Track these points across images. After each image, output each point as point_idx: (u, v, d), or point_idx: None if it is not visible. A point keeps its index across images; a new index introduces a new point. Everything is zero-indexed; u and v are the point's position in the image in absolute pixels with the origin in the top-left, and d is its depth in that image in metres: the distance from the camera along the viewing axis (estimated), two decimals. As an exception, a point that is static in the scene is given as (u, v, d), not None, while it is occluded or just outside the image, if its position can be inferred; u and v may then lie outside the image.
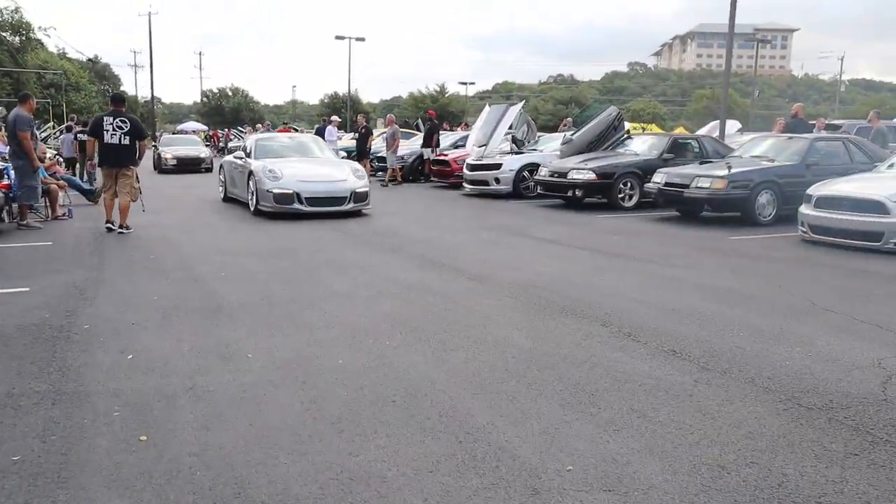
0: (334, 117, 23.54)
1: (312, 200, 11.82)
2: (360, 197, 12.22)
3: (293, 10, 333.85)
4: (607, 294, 6.36)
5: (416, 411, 3.68)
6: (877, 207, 8.59)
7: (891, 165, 10.36)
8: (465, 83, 68.23)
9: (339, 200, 12.01)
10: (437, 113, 24.60)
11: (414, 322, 5.39)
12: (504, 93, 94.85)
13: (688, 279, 7.03)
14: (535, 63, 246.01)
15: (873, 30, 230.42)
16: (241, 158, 13.51)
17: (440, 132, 21.09)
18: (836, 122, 17.72)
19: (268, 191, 11.73)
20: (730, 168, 11.23)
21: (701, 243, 9.51)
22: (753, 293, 6.43)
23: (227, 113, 69.43)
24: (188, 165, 25.94)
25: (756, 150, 12.51)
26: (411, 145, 22.16)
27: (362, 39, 46.84)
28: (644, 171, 13.57)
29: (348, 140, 25.07)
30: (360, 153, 20.08)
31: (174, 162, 25.81)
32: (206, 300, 6.05)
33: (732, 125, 21.44)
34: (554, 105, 73.75)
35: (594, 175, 13.48)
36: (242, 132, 35.89)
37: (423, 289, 6.53)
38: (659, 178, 12.23)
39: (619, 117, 15.92)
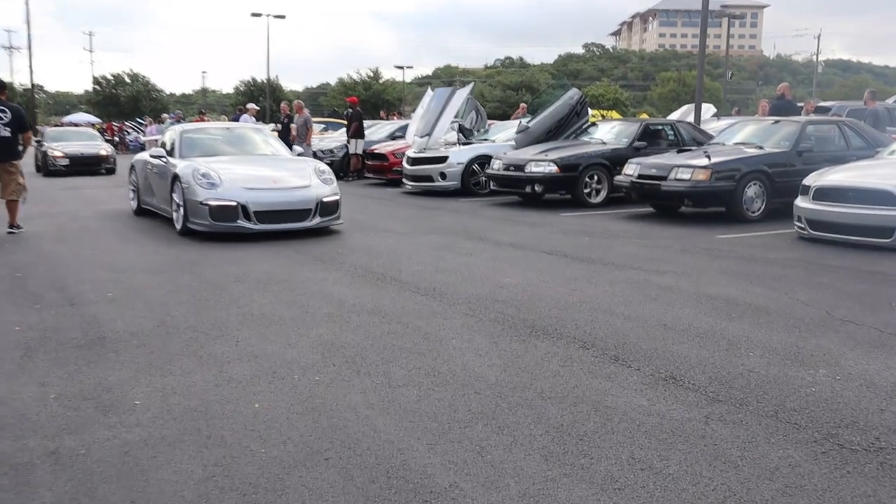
0: (251, 105, 22.64)
1: (264, 215, 9.66)
2: (328, 208, 10.13)
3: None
4: (585, 309, 5.99)
5: (356, 471, 3.20)
6: (887, 198, 8.43)
7: (893, 152, 10.31)
8: (401, 67, 67.83)
9: (300, 214, 9.89)
10: (359, 99, 23.97)
11: (351, 350, 4.91)
12: (446, 78, 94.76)
13: (678, 288, 6.72)
14: (477, 45, 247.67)
15: (844, 5, 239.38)
16: (159, 157, 11.12)
17: (362, 121, 20.31)
18: (825, 103, 17.87)
19: (202, 203, 9.51)
20: (713, 157, 11.06)
21: (685, 244, 9.26)
22: (756, 303, 6.14)
23: (123, 103, 67.34)
24: (85, 165, 23.35)
25: (740, 136, 12.39)
26: (340, 137, 21.62)
27: (282, 17, 46.10)
28: (613, 161, 13.34)
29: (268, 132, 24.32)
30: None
31: (66, 161, 23.13)
32: (84, 329, 5.44)
33: (707, 109, 21.47)
34: (503, 91, 74.09)
35: (556, 167, 13.17)
36: (142, 124, 34.61)
37: (362, 308, 6.04)
38: (631, 169, 12.00)
39: (581, 101, 15.72)
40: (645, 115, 41.59)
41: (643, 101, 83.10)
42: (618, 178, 12.44)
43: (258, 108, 25.68)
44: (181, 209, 9.98)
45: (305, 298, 6.36)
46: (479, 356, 4.78)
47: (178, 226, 10.14)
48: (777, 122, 12.41)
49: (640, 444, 3.46)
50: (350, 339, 5.17)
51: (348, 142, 19.85)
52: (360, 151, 19.40)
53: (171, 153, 11.11)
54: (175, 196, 10.18)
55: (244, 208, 9.54)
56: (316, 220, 9.96)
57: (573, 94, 15.81)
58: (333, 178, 10.73)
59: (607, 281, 7.06)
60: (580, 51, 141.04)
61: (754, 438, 3.52)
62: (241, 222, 9.56)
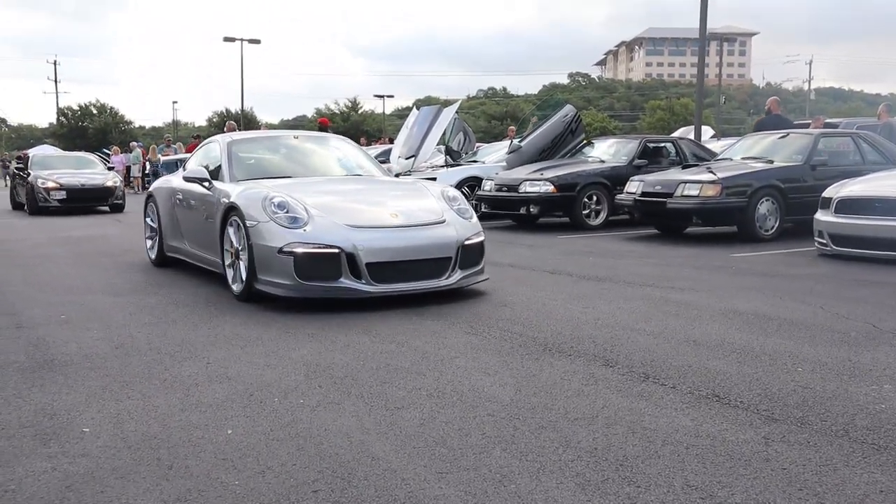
0: (230, 123, 21.96)
1: (382, 270, 6.22)
2: (471, 256, 6.75)
3: (173, 15, 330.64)
4: (601, 326, 5.52)
5: (352, 507, 2.70)
6: (920, 209, 8.08)
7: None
8: (381, 97, 67.57)
9: (435, 267, 6.49)
10: (330, 121, 23.48)
11: (340, 371, 4.41)
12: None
13: (700, 304, 6.27)
14: (455, 77, 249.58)
15: (831, 32, 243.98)
16: (199, 181, 7.58)
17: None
18: (832, 120, 17.66)
19: (282, 250, 6.11)
20: (721, 172, 10.70)
21: (698, 262, 8.84)
22: (791, 317, 5.70)
23: (91, 135, 66.86)
24: (87, 200, 19.23)
25: (748, 151, 12.06)
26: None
27: (257, 41, 45.76)
28: (612, 180, 12.98)
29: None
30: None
31: (62, 195, 18.95)
32: (29, 353, 4.91)
33: (705, 131, 21.31)
34: (487, 121, 74.53)
35: (552, 187, 12.76)
36: (107, 154, 33.96)
37: (352, 325, 5.55)
38: (633, 187, 11.63)
39: (576, 118, 15.38)
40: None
41: (632, 131, 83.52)
42: (619, 196, 12.08)
43: (236, 126, 24.99)
44: (240, 260, 6.59)
45: (286, 316, 5.86)
46: (487, 375, 4.29)
47: (237, 286, 6.68)
48: (787, 134, 12.09)
49: (693, 469, 2.98)
50: (338, 360, 4.67)
51: None
52: None
53: (215, 175, 7.66)
54: (229, 239, 6.78)
55: (351, 258, 6.09)
56: (456, 276, 6.54)
57: (567, 110, 15.47)
58: (470, 208, 7.31)
59: (621, 298, 6.60)
60: (565, 80, 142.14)
61: (830, 461, 3.04)
62: (348, 281, 6.09)
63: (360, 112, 74.58)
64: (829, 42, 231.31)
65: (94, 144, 62.73)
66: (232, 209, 6.73)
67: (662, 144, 14.69)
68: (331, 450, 3.22)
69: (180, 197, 8.29)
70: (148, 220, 9.26)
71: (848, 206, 8.72)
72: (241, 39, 45.12)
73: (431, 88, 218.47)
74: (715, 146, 16.66)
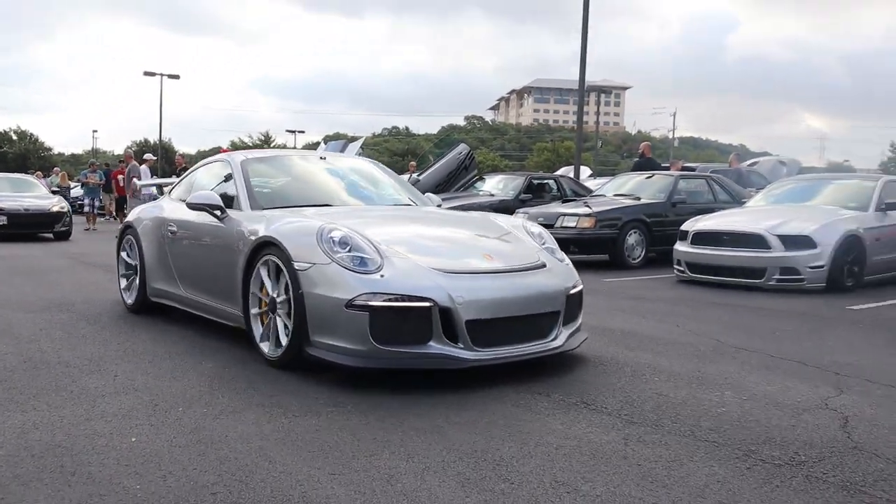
0: (148, 155, 21.28)
1: (484, 329, 4.33)
2: (572, 308, 4.94)
3: (95, 48, 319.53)
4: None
5: (248, 507, 2.65)
6: (758, 241, 8.53)
7: (756, 202, 10.54)
8: (292, 132, 66.91)
9: (536, 325, 4.64)
10: (230, 150, 23.08)
11: (243, 382, 4.32)
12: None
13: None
14: (363, 115, 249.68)
15: (691, 89, 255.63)
16: (209, 209, 5.52)
17: None
18: (690, 164, 18.47)
19: (352, 303, 4.16)
20: (596, 206, 11.04)
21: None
22: (653, 334, 5.92)
23: (10, 160, 63.72)
24: (31, 226, 16.02)
25: (619, 188, 12.49)
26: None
27: (176, 77, 44.70)
28: (501, 212, 13.16)
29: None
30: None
31: (1, 220, 15.62)
32: (-62, 366, 4.63)
33: (584, 171, 21.97)
34: (390, 157, 74.36)
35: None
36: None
37: (243, 338, 5.40)
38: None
39: (469, 155, 15.62)
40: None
41: (520, 169, 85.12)
42: (506, 227, 12.27)
43: (154, 158, 24.16)
44: (277, 314, 4.64)
45: (192, 332, 5.70)
46: (379, 383, 4.28)
47: (272, 348, 4.69)
48: (652, 175, 12.59)
49: (561, 466, 3.04)
50: (241, 373, 4.56)
51: None
52: None
53: (227, 203, 5.56)
54: (259, 285, 4.85)
55: (446, 315, 4.20)
56: (563, 335, 4.72)
57: (462, 148, 15.71)
58: (557, 246, 5.50)
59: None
60: (462, 122, 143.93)
61: (677, 457, 3.16)
62: (440, 345, 4.19)
63: (272, 145, 73.60)
64: (691, 97, 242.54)
65: (14, 169, 59.78)
66: (266, 246, 4.74)
67: (546, 181, 15.08)
68: (231, 454, 3.15)
69: (173, 229, 6.10)
70: (124, 254, 6.92)
71: (702, 238, 9.13)
72: (161, 74, 44.02)
73: (339, 125, 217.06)
74: (591, 184, 17.18)
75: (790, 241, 8.45)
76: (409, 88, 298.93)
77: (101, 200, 22.83)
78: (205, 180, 6.40)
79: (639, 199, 11.59)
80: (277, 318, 4.66)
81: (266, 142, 74.76)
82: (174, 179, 7.95)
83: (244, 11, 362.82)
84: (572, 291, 4.86)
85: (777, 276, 8.44)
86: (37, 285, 8.58)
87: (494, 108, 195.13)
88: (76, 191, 27.17)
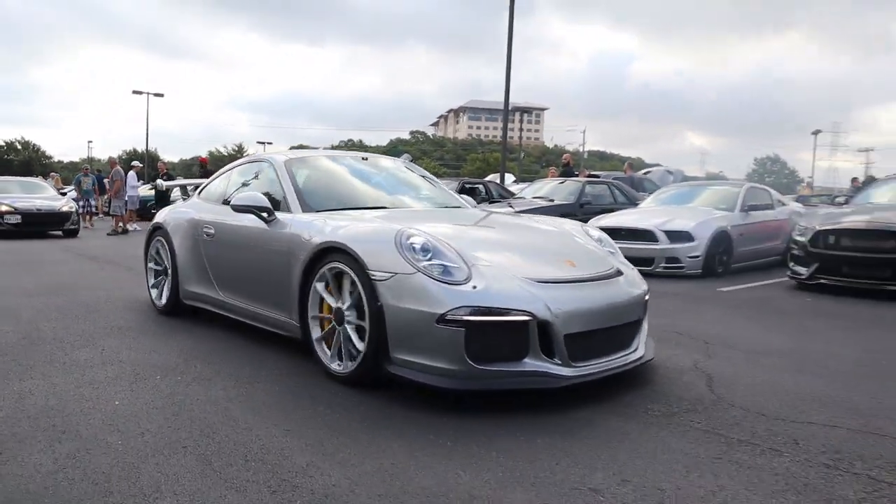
0: (135, 162, 20.69)
1: (580, 343, 3.42)
2: (644, 316, 4.04)
3: (87, 69, 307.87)
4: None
5: (214, 457, 2.63)
6: (649, 236, 8.76)
7: (648, 203, 10.81)
8: (262, 143, 65.82)
9: (625, 336, 3.78)
10: (208, 159, 22.63)
11: (216, 355, 4.26)
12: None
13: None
14: (321, 129, 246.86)
15: (599, 110, 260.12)
16: (255, 210, 4.45)
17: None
18: (597, 173, 18.80)
19: (445, 318, 3.18)
20: (516, 207, 11.15)
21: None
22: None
23: (15, 167, 61.02)
24: (43, 225, 14.97)
25: (537, 192, 12.65)
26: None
27: (161, 95, 43.52)
28: (439, 212, 13.21)
29: (146, 190, 22.41)
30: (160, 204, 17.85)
31: (16, 219, 14.55)
32: (-57, 343, 4.45)
33: (509, 177, 22.13)
34: (347, 165, 73.52)
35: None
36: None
37: (224, 319, 5.16)
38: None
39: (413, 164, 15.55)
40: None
41: (457, 176, 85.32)
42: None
43: (140, 165, 23.46)
44: (347, 326, 3.65)
45: (173, 315, 5.58)
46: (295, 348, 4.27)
47: (342, 365, 3.67)
48: (564, 181, 12.79)
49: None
50: (213, 347, 4.50)
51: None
52: None
53: (279, 206, 4.52)
54: (318, 296, 3.86)
55: (543, 329, 3.32)
56: (642, 345, 3.90)
57: (405, 158, 15.64)
58: (617, 249, 4.61)
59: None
60: (407, 136, 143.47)
61: (590, 419, 3.24)
62: (536, 361, 3.30)
63: (244, 155, 72.36)
64: (598, 117, 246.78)
65: (19, 175, 57.34)
66: (329, 252, 3.74)
67: (476, 185, 15.13)
68: (200, 415, 3.11)
69: (211, 231, 5.01)
70: (152, 264, 5.80)
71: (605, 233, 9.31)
72: (147, 93, 42.79)
73: (302, 139, 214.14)
74: (515, 188, 17.34)
75: (674, 236, 8.70)
76: (362, 107, 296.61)
77: (95, 201, 22.09)
78: (242, 182, 5.26)
79: (552, 200, 11.75)
80: (347, 327, 3.61)
81: (239, 152, 73.32)
82: (200, 181, 6.74)
83: (221, 40, 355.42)
84: (646, 298, 4.01)
85: (663, 265, 8.68)
86: (39, 275, 8.29)
87: (435, 124, 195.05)
88: (71, 193, 26.21)
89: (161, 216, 5.88)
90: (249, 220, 4.54)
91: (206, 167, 18.86)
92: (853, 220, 7.52)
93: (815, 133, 58.45)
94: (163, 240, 5.63)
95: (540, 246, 4.07)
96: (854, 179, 21.09)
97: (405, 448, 2.75)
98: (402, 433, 2.91)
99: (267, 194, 4.60)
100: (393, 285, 3.35)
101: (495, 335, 3.22)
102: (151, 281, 5.83)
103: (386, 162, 5.68)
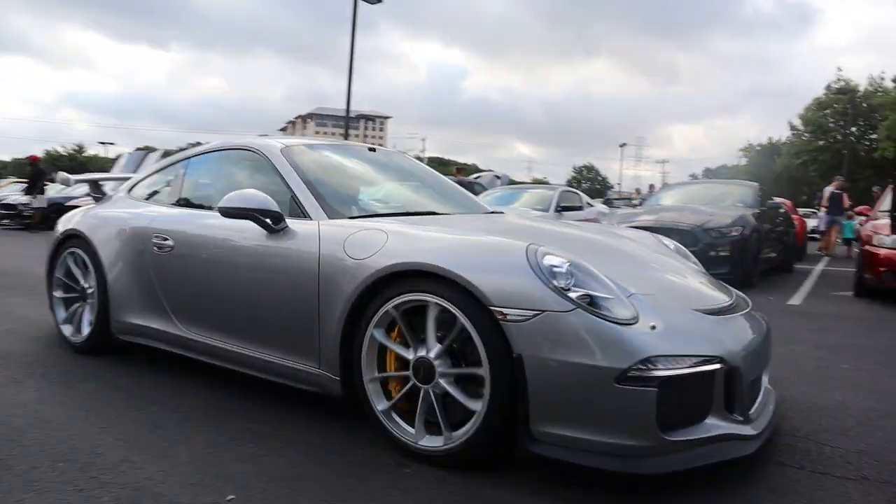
0: None
1: (751, 398, 2.47)
2: None
3: None
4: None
5: (15, 461, 2.39)
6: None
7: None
8: (104, 143, 60.61)
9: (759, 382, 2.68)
10: (40, 158, 20.41)
11: (32, 356, 3.85)
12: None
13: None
14: (169, 131, 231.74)
15: (436, 120, 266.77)
16: (255, 215, 2.84)
17: (43, 178, 16.59)
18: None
19: (628, 375, 2.06)
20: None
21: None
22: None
23: None
24: None
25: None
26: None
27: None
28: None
29: (57, 191, 19.34)
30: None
31: None
32: None
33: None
34: (194, 167, 69.53)
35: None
36: None
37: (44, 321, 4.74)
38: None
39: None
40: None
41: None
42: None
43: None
44: (441, 381, 2.35)
45: (-16, 319, 4.98)
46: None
47: (445, 438, 2.33)
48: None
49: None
50: (30, 348, 4.07)
51: (33, 196, 16.02)
52: (43, 206, 15.82)
53: (303, 210, 2.94)
54: (383, 362, 2.53)
55: (731, 377, 2.26)
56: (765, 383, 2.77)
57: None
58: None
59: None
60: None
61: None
62: (721, 422, 2.24)
63: (83, 155, 66.08)
64: (436, 126, 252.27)
65: None
66: (407, 278, 2.42)
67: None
68: (5, 419, 2.81)
69: (168, 243, 3.42)
70: (59, 292, 4.13)
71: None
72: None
73: (148, 140, 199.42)
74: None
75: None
76: (209, 111, 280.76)
77: None
78: (210, 178, 3.70)
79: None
80: (444, 383, 2.37)
81: (79, 152, 66.95)
82: (91, 176, 4.78)
83: (58, 36, 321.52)
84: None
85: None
86: None
87: (284, 129, 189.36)
88: None
89: (73, 222, 4.10)
90: (239, 230, 3.03)
91: (37, 164, 16.90)
92: (644, 218, 8.34)
93: (622, 146, 64.05)
94: (81, 254, 3.92)
95: (662, 264, 2.98)
96: (651, 186, 23.30)
97: (224, 436, 2.67)
98: (220, 422, 2.82)
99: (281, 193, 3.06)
100: (537, 328, 2.15)
101: (684, 392, 2.18)
102: (62, 315, 4.11)
103: (395, 156, 4.21)
